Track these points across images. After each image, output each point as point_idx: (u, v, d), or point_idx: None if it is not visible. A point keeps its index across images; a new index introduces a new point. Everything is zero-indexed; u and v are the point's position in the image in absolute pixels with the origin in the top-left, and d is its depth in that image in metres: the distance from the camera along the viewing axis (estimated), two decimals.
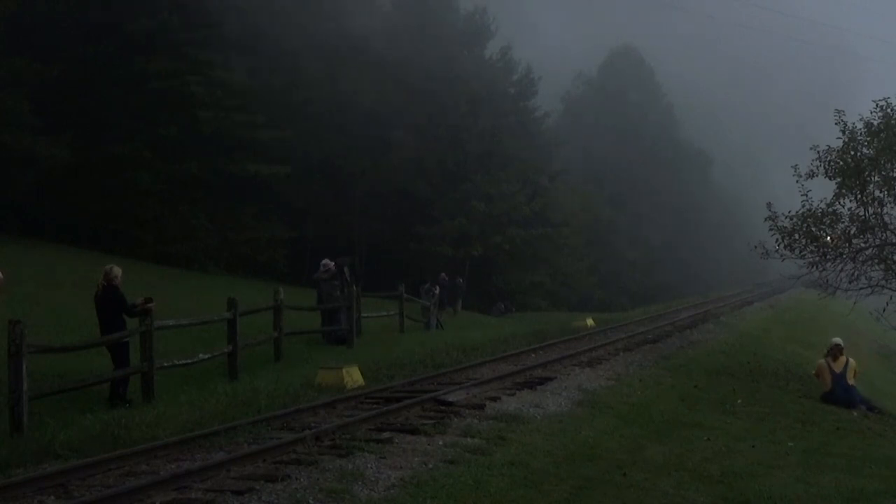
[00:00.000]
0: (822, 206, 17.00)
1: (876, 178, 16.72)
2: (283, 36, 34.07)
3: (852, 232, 16.97)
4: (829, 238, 16.88)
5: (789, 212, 17.25)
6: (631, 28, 77.82)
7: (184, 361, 12.04)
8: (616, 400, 11.91)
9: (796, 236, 16.99)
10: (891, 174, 16.55)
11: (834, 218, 16.96)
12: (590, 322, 23.17)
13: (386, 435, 8.65)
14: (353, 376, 12.14)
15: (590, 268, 52.89)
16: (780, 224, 17.15)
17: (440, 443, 8.51)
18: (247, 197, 34.28)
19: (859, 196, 16.81)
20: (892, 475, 8.92)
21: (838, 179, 16.97)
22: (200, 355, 12.47)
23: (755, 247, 17.47)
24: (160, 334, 11.67)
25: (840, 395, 14.05)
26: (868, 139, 16.65)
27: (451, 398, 10.56)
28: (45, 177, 28.88)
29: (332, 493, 6.69)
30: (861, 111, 17.02)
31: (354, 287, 18.81)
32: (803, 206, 17.15)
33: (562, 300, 47.49)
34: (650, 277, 57.93)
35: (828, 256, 17.15)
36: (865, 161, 16.61)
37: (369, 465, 7.51)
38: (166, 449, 7.94)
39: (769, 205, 17.36)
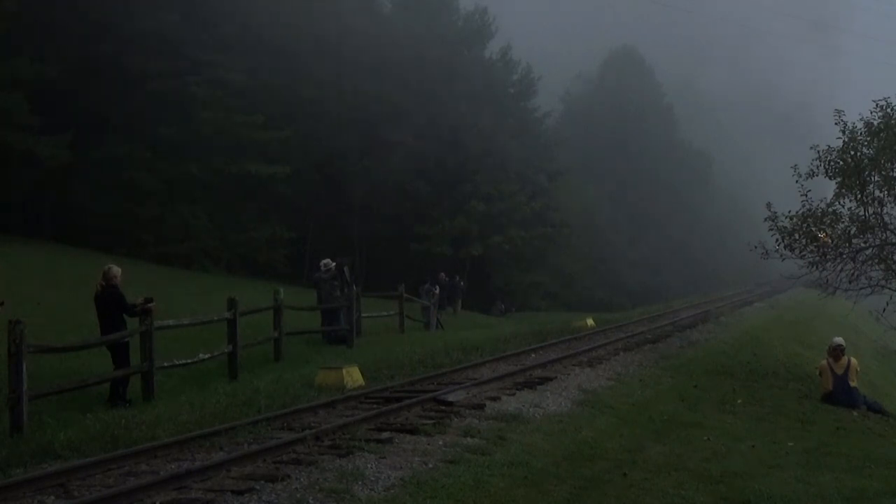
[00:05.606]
0: (822, 206, 17.00)
1: (876, 178, 16.73)
2: (283, 36, 34.08)
3: (852, 232, 16.97)
4: (822, 236, 16.86)
5: (789, 212, 17.25)
6: (631, 28, 77.72)
7: (184, 361, 12.04)
8: (616, 400, 11.91)
9: (796, 236, 16.99)
10: (891, 174, 16.56)
11: (834, 218, 16.95)
12: (590, 322, 23.12)
13: (386, 435, 8.65)
14: (353, 376, 12.12)
15: (590, 268, 52.86)
16: (780, 224, 17.15)
17: (440, 443, 8.51)
18: (247, 197, 34.28)
19: (859, 196, 16.82)
20: (892, 475, 8.91)
21: (838, 179, 16.98)
22: (200, 355, 12.46)
23: (755, 247, 17.47)
24: (160, 334, 11.67)
25: (841, 396, 14.02)
26: (868, 139, 16.65)
27: (451, 398, 10.55)
28: (45, 177, 28.91)
29: (332, 493, 6.69)
30: (860, 111, 17.02)
31: (354, 287, 18.80)
32: (803, 206, 17.15)
33: (562, 300, 47.46)
34: (650, 277, 57.80)
35: (828, 256, 17.15)
36: (865, 161, 16.61)
37: (369, 465, 7.51)
38: (166, 449, 7.93)
39: (769, 205, 17.36)
